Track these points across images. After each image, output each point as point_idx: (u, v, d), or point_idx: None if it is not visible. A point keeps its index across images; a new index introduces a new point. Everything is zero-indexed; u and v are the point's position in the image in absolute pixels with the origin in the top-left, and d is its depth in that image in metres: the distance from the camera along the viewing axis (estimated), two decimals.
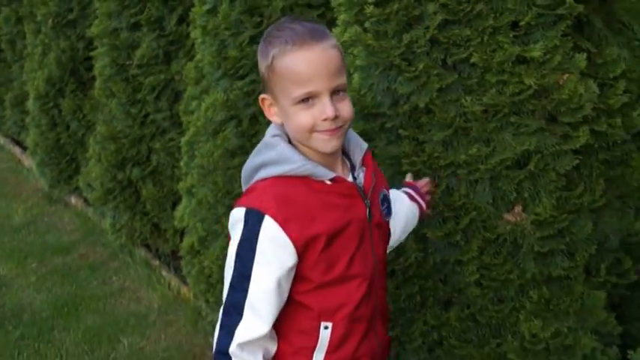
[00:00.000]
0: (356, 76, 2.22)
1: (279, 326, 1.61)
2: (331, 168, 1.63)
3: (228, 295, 1.57)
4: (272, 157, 1.60)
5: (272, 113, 1.63)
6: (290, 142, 1.64)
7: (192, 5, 3.53)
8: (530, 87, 2.04)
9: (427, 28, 2.08)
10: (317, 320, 1.61)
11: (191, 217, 3.72)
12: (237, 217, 1.57)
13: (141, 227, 4.68)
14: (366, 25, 2.14)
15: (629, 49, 2.13)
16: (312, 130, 1.56)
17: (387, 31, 2.12)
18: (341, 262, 1.59)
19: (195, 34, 3.43)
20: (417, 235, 2.23)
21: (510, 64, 2.06)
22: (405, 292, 2.24)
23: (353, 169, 1.70)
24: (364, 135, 2.27)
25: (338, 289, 1.60)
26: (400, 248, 2.24)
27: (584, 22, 2.13)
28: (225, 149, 3.39)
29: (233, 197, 3.42)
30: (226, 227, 3.46)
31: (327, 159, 1.63)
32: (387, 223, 1.79)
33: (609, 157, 2.16)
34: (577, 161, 2.09)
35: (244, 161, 3.53)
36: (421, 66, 2.11)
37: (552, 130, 2.09)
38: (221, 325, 1.57)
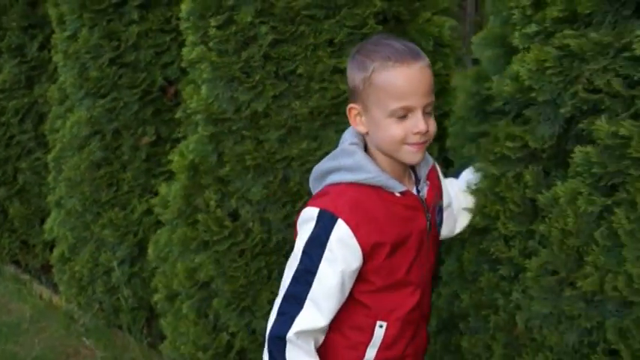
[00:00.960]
0: (204, 88, 2.58)
1: (335, 320, 1.67)
2: (400, 180, 1.72)
3: (290, 285, 1.64)
4: (348, 164, 1.68)
5: (358, 122, 1.71)
6: (366, 151, 1.73)
7: (53, 32, 3.75)
8: (345, 92, 2.48)
9: (261, 46, 2.48)
10: (373, 319, 1.69)
11: (60, 227, 3.91)
12: (309, 215, 1.66)
13: (9, 244, 4.77)
14: (210, 44, 2.50)
15: None
16: (403, 142, 1.64)
17: (228, 49, 2.49)
18: (401, 269, 1.68)
19: (57, 58, 3.66)
20: (261, 218, 2.61)
21: (329, 73, 2.49)
22: (254, 267, 2.60)
23: (417, 181, 1.78)
24: (214, 137, 2.63)
25: (395, 293, 1.69)
26: (247, 230, 2.61)
27: None
28: (91, 161, 3.63)
29: (100, 205, 3.67)
30: (95, 233, 3.67)
31: (397, 171, 1.72)
32: (439, 231, 1.88)
33: None
34: None
35: (109, 172, 3.80)
36: (257, 77, 2.50)
37: None
38: (280, 312, 1.64)
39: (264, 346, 1.68)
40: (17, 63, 4.43)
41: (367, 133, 1.70)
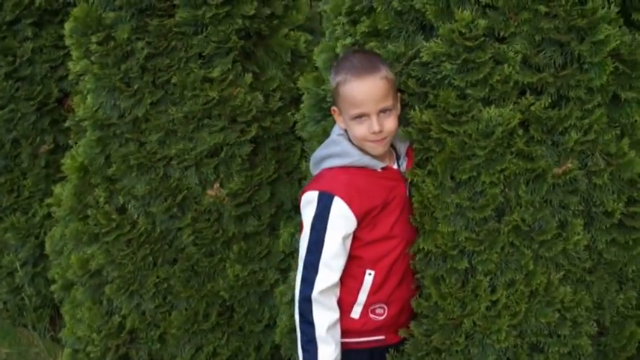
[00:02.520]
0: (89, 97, 2.87)
1: None
2: (382, 158, 2.09)
3: (306, 256, 2.03)
4: (337, 151, 2.08)
5: (339, 120, 2.10)
6: (350, 139, 2.10)
7: None
8: (214, 98, 2.82)
9: (138, 59, 2.79)
10: (363, 267, 2.06)
11: None
12: (310, 198, 2.05)
13: None
14: (92, 58, 2.80)
15: (281, 70, 2.98)
16: (364, 139, 2.02)
17: (108, 62, 2.79)
18: (384, 226, 2.05)
19: None
20: (146, 211, 2.91)
21: (199, 82, 2.82)
22: (140, 254, 2.89)
23: (398, 157, 2.15)
24: (101, 141, 2.91)
25: (381, 245, 2.05)
26: (133, 222, 2.90)
27: (251, 52, 2.96)
28: None
29: (2, 210, 3.88)
30: None
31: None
32: None
33: (276, 145, 3.00)
34: (251, 148, 2.89)
35: (10, 179, 3.98)
36: (136, 86, 2.81)
37: (233, 128, 2.88)
38: (302, 279, 2.03)
39: (293, 309, 2.09)
40: None
41: (346, 129, 2.09)
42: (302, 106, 2.50)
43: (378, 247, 2.06)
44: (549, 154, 1.87)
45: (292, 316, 2.52)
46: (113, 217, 2.91)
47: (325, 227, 2.00)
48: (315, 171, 2.17)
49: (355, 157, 2.05)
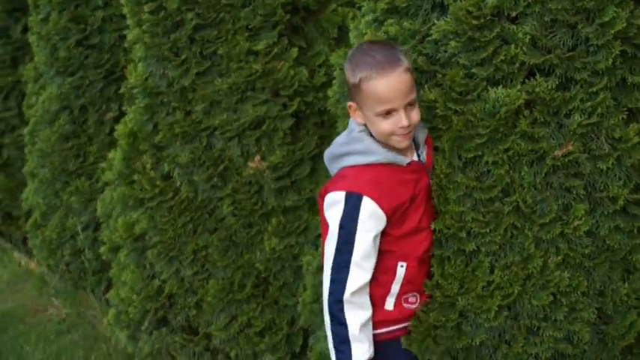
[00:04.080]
0: (140, 65, 3.22)
1: None
2: (405, 152, 2.16)
3: (335, 257, 2.10)
4: (359, 149, 2.14)
5: (357, 116, 2.16)
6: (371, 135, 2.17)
7: None
8: (257, 71, 3.10)
9: (187, 29, 3.11)
10: (395, 260, 2.16)
11: (34, 196, 4.59)
12: (336, 198, 2.12)
13: None
14: (144, 27, 3.15)
15: (329, 45, 3.22)
16: (392, 134, 2.09)
17: (159, 31, 3.13)
18: (413, 220, 2.15)
19: (32, 39, 4.34)
20: (188, 180, 3.24)
21: (245, 54, 3.11)
22: (180, 221, 3.23)
23: (417, 147, 2.22)
24: (150, 109, 3.27)
25: (412, 238, 2.16)
26: (175, 190, 3.25)
27: (299, 27, 3.22)
28: (60, 134, 4.30)
29: (68, 174, 4.34)
30: (64, 200, 4.32)
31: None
32: None
33: (319, 120, 3.25)
34: (292, 122, 3.16)
35: (77, 144, 4.49)
36: (184, 57, 3.13)
37: (276, 101, 3.16)
38: (332, 279, 2.11)
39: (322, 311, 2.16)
40: (2, 44, 5.14)
41: (365, 125, 2.15)
42: (334, 82, 2.73)
43: (408, 240, 2.16)
44: (553, 136, 2.02)
45: (315, 286, 2.78)
46: (157, 183, 3.26)
47: (355, 227, 2.08)
48: (333, 168, 2.25)
49: (381, 155, 2.13)
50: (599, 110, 2.00)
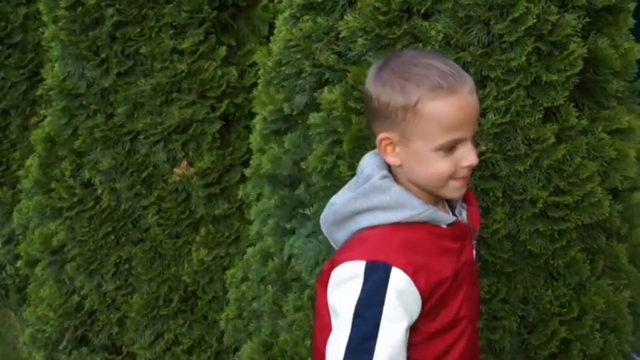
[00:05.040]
0: (57, 65, 3.31)
1: None
2: (444, 208, 1.78)
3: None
4: (385, 202, 1.66)
5: (390, 153, 1.69)
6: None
7: None
8: (183, 71, 3.20)
9: (107, 27, 3.21)
10: None
11: None
12: (352, 272, 1.62)
13: None
14: (60, 24, 3.24)
15: (260, 44, 3.33)
16: (451, 177, 1.65)
17: (76, 29, 3.22)
18: (453, 308, 1.69)
19: None
20: (110, 187, 3.33)
21: (169, 54, 3.21)
22: (102, 232, 3.32)
23: (450, 205, 1.80)
24: (68, 112, 3.35)
25: (446, 337, 1.69)
26: (96, 198, 3.33)
27: (228, 24, 3.33)
28: None
29: None
30: None
31: (433, 201, 1.72)
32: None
33: (250, 123, 3.35)
34: (221, 125, 3.26)
35: None
36: (104, 56, 3.23)
37: (203, 103, 3.26)
38: None
39: None
40: None
41: (400, 165, 1.69)
42: (259, 81, 2.84)
43: (441, 341, 1.70)
44: None
45: (239, 300, 2.88)
46: (77, 191, 3.34)
47: (380, 314, 1.57)
48: (337, 233, 1.76)
49: (418, 209, 1.66)
50: (514, 109, 2.12)
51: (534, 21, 2.07)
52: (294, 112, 2.47)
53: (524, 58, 2.10)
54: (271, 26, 3.35)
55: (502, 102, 2.12)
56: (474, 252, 1.81)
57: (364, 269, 1.61)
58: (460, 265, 1.72)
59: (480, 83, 2.16)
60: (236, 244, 3.38)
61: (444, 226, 1.71)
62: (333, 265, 1.68)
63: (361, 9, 2.18)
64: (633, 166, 2.26)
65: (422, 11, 2.16)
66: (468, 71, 2.11)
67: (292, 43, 2.41)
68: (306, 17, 2.39)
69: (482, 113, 2.14)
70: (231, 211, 3.37)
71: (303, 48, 2.39)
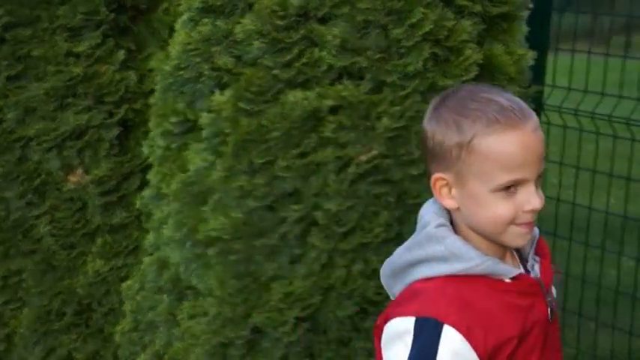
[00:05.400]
0: None
1: None
2: (508, 260, 1.66)
3: None
4: (439, 252, 1.58)
5: (445, 195, 1.61)
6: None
7: None
8: (79, 75, 3.20)
9: None
10: None
11: None
12: (401, 328, 1.54)
13: None
14: None
15: (161, 47, 3.35)
16: (511, 222, 1.56)
17: None
18: None
19: None
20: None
21: (64, 57, 3.20)
22: None
23: (521, 258, 1.70)
24: None
25: None
26: None
27: (127, 27, 3.34)
28: None
29: None
30: None
31: (497, 251, 1.63)
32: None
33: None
34: (119, 131, 3.27)
35: None
36: None
37: (100, 108, 3.26)
38: None
39: None
40: None
41: (458, 209, 1.62)
42: (157, 88, 2.86)
43: None
44: (361, 141, 2.22)
45: (135, 312, 2.88)
46: None
47: None
48: (398, 284, 1.67)
49: (475, 260, 1.57)
50: (409, 114, 2.21)
51: (431, 27, 2.16)
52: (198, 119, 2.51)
53: (420, 63, 2.19)
54: (172, 30, 3.39)
55: (398, 107, 2.20)
56: (549, 311, 1.65)
57: (414, 326, 1.53)
58: (530, 325, 1.59)
59: (376, 88, 2.24)
60: (135, 254, 3.37)
61: (507, 280, 1.60)
62: (386, 320, 1.60)
63: (258, 12, 2.24)
64: None
65: (319, 16, 2.23)
66: (363, 76, 2.21)
67: (191, 46, 2.45)
68: (205, 20, 2.44)
69: (378, 117, 2.23)
70: (130, 220, 3.37)
71: (202, 51, 2.43)
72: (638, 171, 3.88)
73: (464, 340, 1.51)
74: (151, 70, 3.36)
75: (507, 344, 1.55)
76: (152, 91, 3.32)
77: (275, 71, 2.23)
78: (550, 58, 3.94)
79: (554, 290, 1.74)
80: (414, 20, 2.15)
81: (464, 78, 2.22)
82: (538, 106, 3.73)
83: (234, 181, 2.25)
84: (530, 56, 2.40)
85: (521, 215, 1.56)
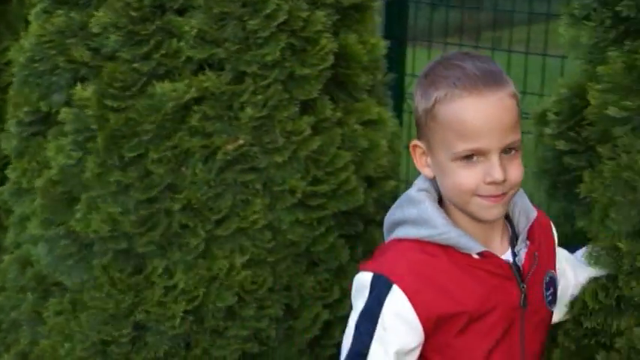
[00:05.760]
0: None
1: None
2: (485, 238, 1.62)
3: None
4: (413, 215, 1.60)
5: (423, 164, 1.63)
6: (441, 199, 1.65)
7: None
8: None
9: None
10: None
11: None
12: (362, 282, 1.60)
13: None
14: None
15: (17, 41, 3.26)
16: (473, 192, 1.54)
17: None
18: (475, 354, 1.57)
19: None
20: None
21: None
22: None
23: (515, 238, 1.67)
24: None
25: None
26: None
27: None
28: None
29: None
30: None
31: (481, 227, 1.62)
32: (551, 312, 1.73)
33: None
34: None
35: None
36: None
37: None
38: None
39: None
40: None
41: (434, 178, 1.64)
42: (14, 80, 2.79)
43: None
44: (226, 130, 2.25)
45: None
46: None
47: (372, 332, 1.55)
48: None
49: (437, 229, 1.58)
50: (271, 103, 2.26)
51: (285, 17, 2.22)
52: (53, 111, 2.48)
53: (278, 53, 2.24)
54: (27, 22, 3.30)
55: (260, 97, 2.25)
56: (523, 297, 1.63)
57: (371, 280, 1.59)
58: (491, 304, 1.59)
59: (238, 79, 2.28)
60: None
61: (475, 256, 1.60)
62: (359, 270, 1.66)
63: (112, 4, 2.23)
64: (385, 156, 2.47)
65: (175, 7, 2.25)
66: (224, 67, 2.24)
67: (45, 38, 2.42)
68: (59, 12, 2.41)
69: (241, 107, 2.26)
70: None
71: (57, 44, 2.40)
72: None
73: (407, 301, 1.54)
74: (7, 64, 3.28)
75: (457, 318, 1.56)
76: (9, 85, 3.26)
77: (135, 64, 2.23)
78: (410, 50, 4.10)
79: (554, 277, 1.72)
80: (268, 11, 2.20)
81: (320, 67, 2.29)
82: (398, 94, 3.88)
83: (108, 176, 2.24)
84: (382, 45, 2.49)
85: (482, 187, 1.55)
